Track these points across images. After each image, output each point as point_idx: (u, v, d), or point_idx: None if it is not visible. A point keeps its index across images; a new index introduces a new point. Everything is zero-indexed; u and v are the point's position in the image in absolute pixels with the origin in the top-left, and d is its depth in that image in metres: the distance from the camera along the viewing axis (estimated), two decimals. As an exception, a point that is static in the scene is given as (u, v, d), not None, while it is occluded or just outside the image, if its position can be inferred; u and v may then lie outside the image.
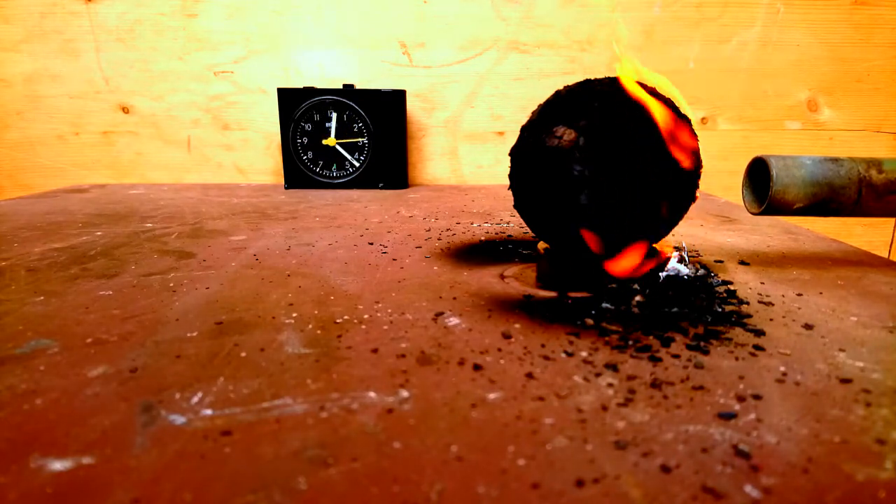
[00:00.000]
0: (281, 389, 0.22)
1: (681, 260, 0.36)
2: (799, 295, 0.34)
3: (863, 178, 0.38)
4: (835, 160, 0.38)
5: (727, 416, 0.20)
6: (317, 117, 0.74)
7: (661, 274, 0.34)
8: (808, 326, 0.29)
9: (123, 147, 0.83)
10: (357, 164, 0.76)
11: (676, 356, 0.25)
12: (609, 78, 0.32)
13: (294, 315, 0.29)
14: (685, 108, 0.32)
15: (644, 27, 0.80)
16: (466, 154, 0.85)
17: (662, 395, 0.21)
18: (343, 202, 0.66)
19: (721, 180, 0.83)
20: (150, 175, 0.84)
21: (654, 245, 0.34)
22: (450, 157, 0.85)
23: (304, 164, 0.75)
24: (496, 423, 0.19)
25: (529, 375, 0.23)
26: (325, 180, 0.76)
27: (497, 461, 0.17)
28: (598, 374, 0.23)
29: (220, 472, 0.17)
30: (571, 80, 0.35)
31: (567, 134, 0.30)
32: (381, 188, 0.77)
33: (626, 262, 0.31)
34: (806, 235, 0.50)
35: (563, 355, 0.25)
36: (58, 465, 0.17)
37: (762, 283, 0.36)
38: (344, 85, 0.74)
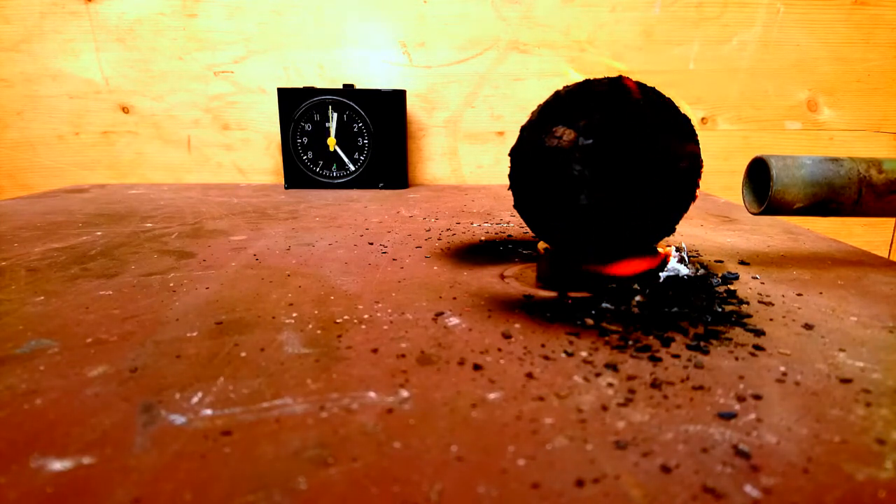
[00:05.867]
0: (281, 389, 0.22)
1: (681, 260, 0.36)
2: (799, 295, 0.34)
3: (863, 178, 0.38)
4: (835, 160, 0.38)
5: (727, 416, 0.20)
6: (317, 117, 0.74)
7: (661, 274, 0.34)
8: (808, 326, 0.29)
9: (123, 147, 0.83)
10: (357, 165, 0.76)
11: (676, 356, 0.25)
12: (609, 78, 0.32)
13: (294, 315, 0.29)
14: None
15: (644, 27, 0.80)
16: (466, 154, 0.85)
17: (662, 395, 0.21)
18: (343, 202, 0.66)
19: (721, 180, 0.83)
20: (150, 175, 0.84)
21: (654, 245, 0.34)
22: (450, 157, 0.85)
23: (304, 164, 0.75)
24: (496, 423, 0.19)
25: (529, 375, 0.23)
26: (325, 180, 0.76)
27: (497, 461, 0.17)
28: (598, 374, 0.23)
29: (220, 472, 0.17)
30: (571, 80, 0.35)
31: (567, 134, 0.30)
32: (381, 188, 0.77)
33: (629, 267, 0.31)
34: (806, 235, 0.50)
35: (563, 355, 0.25)
36: (58, 465, 0.17)
37: (762, 283, 0.36)
38: (344, 85, 0.74)
